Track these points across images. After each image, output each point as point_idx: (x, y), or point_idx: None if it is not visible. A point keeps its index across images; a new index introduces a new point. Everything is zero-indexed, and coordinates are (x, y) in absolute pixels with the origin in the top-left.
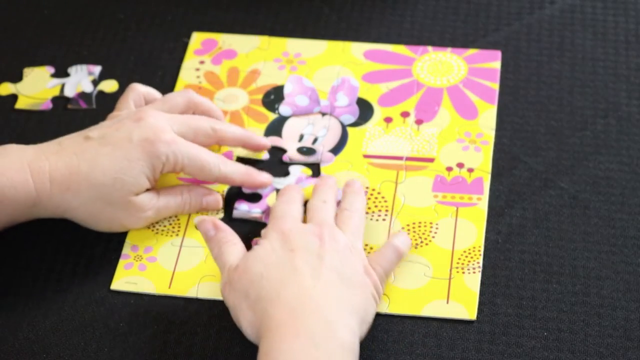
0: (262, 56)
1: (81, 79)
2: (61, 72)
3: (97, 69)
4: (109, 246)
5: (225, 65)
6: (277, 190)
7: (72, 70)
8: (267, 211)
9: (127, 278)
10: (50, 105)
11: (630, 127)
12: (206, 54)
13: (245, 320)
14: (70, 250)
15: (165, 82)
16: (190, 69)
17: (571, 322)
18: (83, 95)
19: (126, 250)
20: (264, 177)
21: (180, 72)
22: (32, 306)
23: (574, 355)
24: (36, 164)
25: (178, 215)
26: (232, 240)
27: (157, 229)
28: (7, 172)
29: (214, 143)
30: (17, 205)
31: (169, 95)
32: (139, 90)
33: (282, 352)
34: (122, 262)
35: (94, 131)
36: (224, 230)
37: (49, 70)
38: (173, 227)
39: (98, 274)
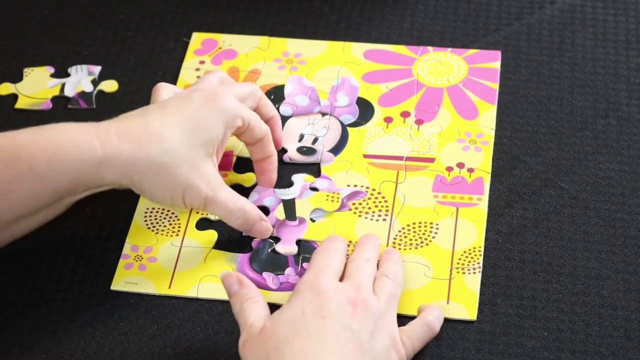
0: (262, 56)
1: (81, 79)
2: (61, 72)
3: (97, 69)
4: (109, 246)
5: (225, 65)
6: (283, 202)
7: (72, 70)
8: (275, 224)
9: (127, 278)
10: (50, 105)
11: (630, 127)
12: (206, 54)
13: None
14: (70, 250)
15: (165, 82)
16: (191, 69)
17: (571, 322)
18: (83, 95)
19: (126, 250)
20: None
21: (181, 72)
22: (32, 306)
23: (574, 355)
24: (101, 126)
25: (178, 216)
26: (254, 297)
27: (157, 229)
28: (68, 131)
29: (257, 142)
30: (81, 164)
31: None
32: (168, 88)
33: None
34: (122, 262)
35: (149, 106)
36: (248, 286)
37: (49, 70)
38: (173, 227)
39: (98, 274)
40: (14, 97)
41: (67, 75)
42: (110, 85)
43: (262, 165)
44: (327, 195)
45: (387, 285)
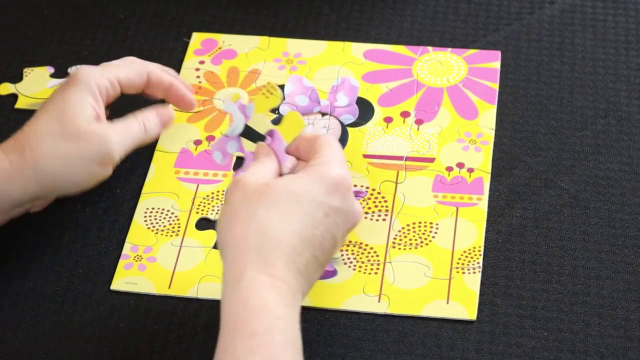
0: (262, 56)
1: None
2: (61, 72)
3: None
4: (108, 246)
5: (225, 65)
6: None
7: (72, 70)
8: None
9: (126, 278)
10: None
11: (630, 127)
12: (206, 54)
13: (233, 225)
14: (70, 250)
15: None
16: (190, 69)
17: (571, 322)
18: None
19: (126, 250)
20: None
21: (180, 72)
22: (31, 306)
23: (574, 356)
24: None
25: (178, 216)
26: (268, 163)
27: (157, 229)
28: None
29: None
30: None
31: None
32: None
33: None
34: (121, 262)
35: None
36: (273, 159)
37: (48, 70)
38: (173, 227)
39: (98, 274)
40: (14, 97)
41: (67, 75)
42: None
43: (170, 97)
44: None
45: None
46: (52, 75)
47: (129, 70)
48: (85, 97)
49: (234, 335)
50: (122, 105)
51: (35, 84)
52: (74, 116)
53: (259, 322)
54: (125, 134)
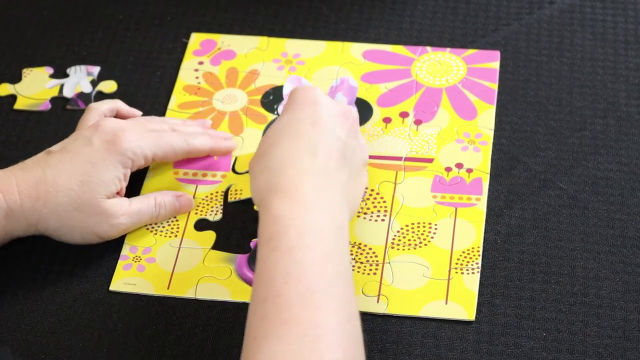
0: (261, 57)
1: (80, 80)
2: (60, 73)
3: (95, 70)
4: (107, 247)
5: (224, 65)
6: None
7: (71, 70)
8: None
9: (125, 279)
10: (49, 106)
11: (629, 127)
12: (205, 55)
13: (253, 184)
14: (69, 251)
15: (164, 83)
16: (189, 70)
17: (570, 323)
18: (82, 96)
19: (125, 251)
20: (229, 142)
21: (179, 73)
22: (30, 307)
23: (573, 356)
24: (3, 180)
25: (177, 216)
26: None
27: (156, 230)
28: None
29: (186, 156)
30: None
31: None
32: (99, 108)
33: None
34: (120, 263)
35: (55, 146)
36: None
37: (47, 70)
38: (172, 228)
39: (97, 275)
40: (12, 98)
41: (66, 76)
42: (109, 86)
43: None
44: None
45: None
46: (52, 76)
47: (170, 147)
48: (116, 173)
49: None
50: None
51: (34, 85)
52: (97, 192)
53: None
54: (136, 214)
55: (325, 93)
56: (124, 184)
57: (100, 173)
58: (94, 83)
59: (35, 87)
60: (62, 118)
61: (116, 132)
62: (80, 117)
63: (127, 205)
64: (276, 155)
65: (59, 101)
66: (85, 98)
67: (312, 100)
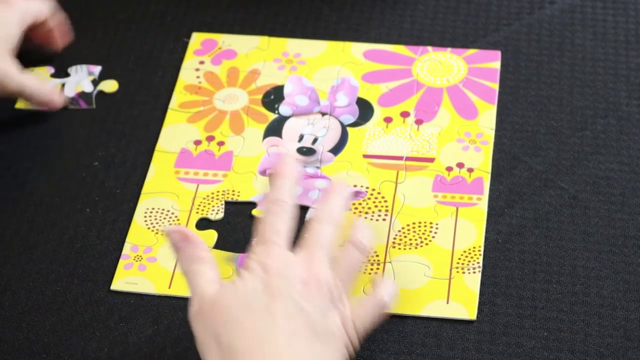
0: (261, 56)
1: (81, 79)
2: (61, 72)
3: (97, 69)
4: (108, 246)
5: (225, 65)
6: None
7: (72, 70)
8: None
9: (127, 278)
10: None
11: (630, 127)
12: (206, 54)
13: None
14: (70, 249)
15: (165, 82)
16: (190, 69)
17: (571, 322)
18: (83, 95)
19: (126, 250)
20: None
21: (180, 72)
22: (31, 306)
23: (574, 355)
24: None
25: (178, 216)
26: (203, 256)
27: (157, 229)
28: None
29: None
30: None
31: None
32: None
33: None
34: (122, 263)
35: None
36: (195, 244)
37: (49, 70)
38: None
39: (98, 274)
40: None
41: (67, 75)
42: (110, 85)
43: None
44: None
45: (351, 258)
46: (53, 75)
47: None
48: (14, 29)
49: None
50: (126, 108)
51: None
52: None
53: None
54: (21, 84)
55: (327, 92)
56: (16, 44)
57: (3, 28)
58: (95, 82)
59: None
60: (63, 118)
61: None
62: (80, 116)
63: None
64: (239, 338)
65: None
66: (86, 98)
67: (269, 266)
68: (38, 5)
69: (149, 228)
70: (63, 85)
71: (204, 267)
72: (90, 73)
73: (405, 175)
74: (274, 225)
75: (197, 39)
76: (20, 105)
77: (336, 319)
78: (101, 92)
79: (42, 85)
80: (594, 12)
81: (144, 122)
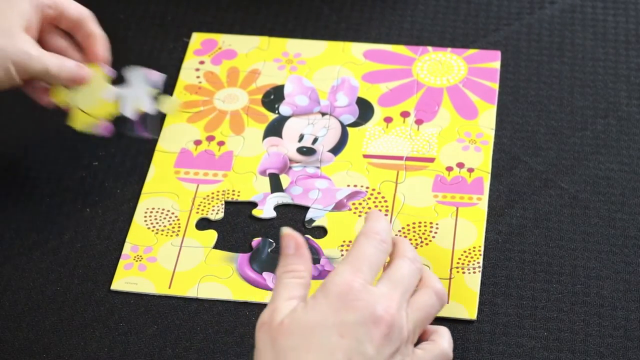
0: (262, 56)
1: (140, 92)
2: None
3: (160, 78)
4: (109, 246)
5: (225, 65)
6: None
7: (129, 75)
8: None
9: (127, 278)
10: (110, 130)
11: (630, 127)
12: (206, 54)
13: None
14: (70, 250)
15: (165, 82)
16: (190, 69)
17: (571, 322)
18: (144, 120)
19: (126, 250)
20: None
21: (180, 72)
22: (32, 306)
23: (574, 355)
24: None
25: (178, 216)
26: (299, 272)
27: (157, 229)
28: None
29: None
30: None
31: None
32: None
33: None
34: (122, 263)
35: None
36: (300, 256)
37: (108, 72)
38: (173, 228)
39: (98, 274)
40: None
41: (124, 81)
42: (172, 105)
43: (90, 47)
44: None
45: (426, 304)
46: (110, 80)
47: (71, 2)
48: (25, 7)
49: None
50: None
51: (90, 90)
52: (9, 16)
53: None
54: (42, 60)
55: (327, 92)
56: (33, 24)
57: (13, 5)
58: (157, 99)
59: (92, 95)
60: (62, 116)
61: None
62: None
63: (31, 41)
64: None
65: (120, 123)
66: (147, 123)
67: (346, 296)
68: None
69: (149, 228)
70: (120, 100)
71: (295, 282)
72: (151, 83)
73: (405, 175)
74: (366, 252)
75: (197, 39)
76: (77, 123)
77: None
78: (161, 114)
79: (65, 61)
80: (594, 12)
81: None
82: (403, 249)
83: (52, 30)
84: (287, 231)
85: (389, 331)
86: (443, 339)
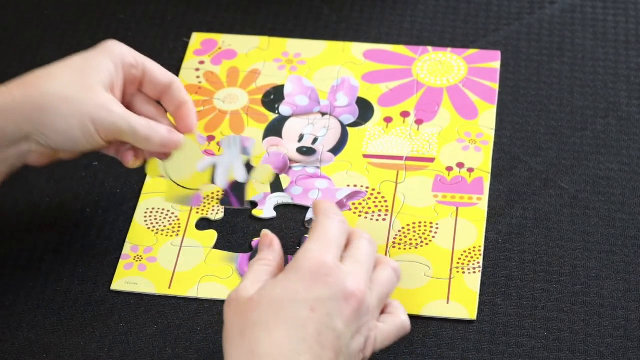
0: (262, 56)
1: (234, 159)
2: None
3: (250, 142)
4: (109, 246)
5: (225, 65)
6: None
7: (224, 142)
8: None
9: (127, 278)
10: (200, 201)
11: (630, 127)
12: (206, 54)
13: (228, 348)
14: (70, 250)
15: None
16: (190, 69)
17: (571, 322)
18: (236, 189)
19: (126, 250)
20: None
21: (180, 72)
22: (32, 306)
23: (574, 355)
24: None
25: (178, 216)
26: (268, 261)
27: (157, 229)
28: None
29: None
30: None
31: None
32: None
33: None
34: (122, 263)
35: None
36: (273, 251)
37: (200, 140)
38: (173, 228)
39: (98, 274)
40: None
41: (218, 149)
42: (265, 174)
43: (179, 114)
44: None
45: (387, 280)
46: (203, 146)
47: (157, 66)
48: (106, 63)
49: None
50: None
51: (184, 161)
52: (91, 76)
53: None
54: (128, 113)
55: (327, 92)
56: (117, 83)
57: (90, 60)
58: (249, 166)
59: (186, 166)
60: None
61: (106, 42)
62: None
63: (119, 103)
64: (264, 344)
65: (210, 193)
66: (239, 193)
67: (318, 271)
68: (144, 57)
69: (149, 228)
70: (214, 168)
71: (263, 269)
72: (243, 150)
73: (405, 175)
74: (332, 230)
75: (197, 39)
76: (170, 196)
77: (361, 341)
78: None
79: (155, 124)
80: (594, 12)
81: None
82: (359, 231)
83: (137, 94)
84: (265, 231)
85: (359, 306)
86: (400, 310)
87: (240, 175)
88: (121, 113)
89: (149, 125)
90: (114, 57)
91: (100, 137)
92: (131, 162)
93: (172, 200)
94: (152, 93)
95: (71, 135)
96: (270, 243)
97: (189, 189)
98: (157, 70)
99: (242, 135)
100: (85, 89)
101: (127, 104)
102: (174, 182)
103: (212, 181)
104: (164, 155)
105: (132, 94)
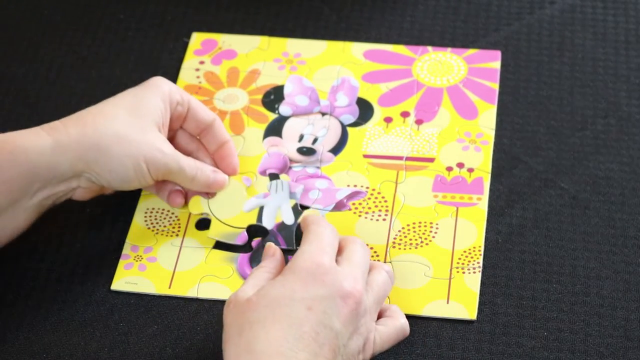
0: (262, 56)
1: (282, 202)
2: (259, 184)
3: (299, 189)
4: (109, 246)
5: (225, 65)
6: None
7: (271, 186)
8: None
9: (127, 278)
10: (245, 239)
11: (630, 127)
12: (206, 54)
13: (226, 348)
14: (70, 250)
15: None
16: (190, 69)
17: (571, 322)
18: (283, 229)
19: (126, 250)
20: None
21: (180, 73)
22: (32, 306)
23: (574, 355)
24: (46, 125)
25: (178, 216)
26: (268, 267)
27: (157, 229)
28: (10, 132)
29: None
30: (31, 151)
31: None
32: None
33: None
34: (122, 262)
35: None
36: (274, 260)
37: (245, 182)
38: (173, 228)
39: (98, 274)
40: (206, 221)
41: (265, 190)
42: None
43: (220, 153)
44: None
45: (382, 282)
46: (248, 189)
47: (201, 104)
48: (156, 102)
49: None
50: None
51: (230, 202)
52: (143, 116)
53: None
54: (178, 155)
55: (327, 92)
56: (165, 122)
57: (145, 101)
58: (297, 210)
59: (231, 206)
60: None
61: (153, 78)
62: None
63: (169, 144)
64: (261, 341)
65: (253, 232)
66: (287, 234)
67: (315, 271)
68: (189, 95)
69: (149, 228)
70: (261, 209)
71: (263, 275)
72: (291, 195)
73: (406, 175)
74: (325, 234)
75: (197, 39)
76: (214, 232)
77: (360, 342)
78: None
79: (200, 164)
80: (594, 12)
81: None
82: (351, 237)
83: (179, 130)
84: (269, 244)
85: (356, 307)
86: (399, 314)
87: (287, 218)
88: (172, 153)
89: (195, 165)
90: (163, 95)
91: (151, 177)
92: (178, 203)
93: (217, 236)
94: (194, 130)
95: (124, 175)
96: (273, 253)
97: (235, 227)
98: (200, 108)
99: (290, 181)
100: (139, 129)
101: (170, 140)
102: (219, 220)
103: (259, 222)
104: (207, 195)
105: (175, 129)
